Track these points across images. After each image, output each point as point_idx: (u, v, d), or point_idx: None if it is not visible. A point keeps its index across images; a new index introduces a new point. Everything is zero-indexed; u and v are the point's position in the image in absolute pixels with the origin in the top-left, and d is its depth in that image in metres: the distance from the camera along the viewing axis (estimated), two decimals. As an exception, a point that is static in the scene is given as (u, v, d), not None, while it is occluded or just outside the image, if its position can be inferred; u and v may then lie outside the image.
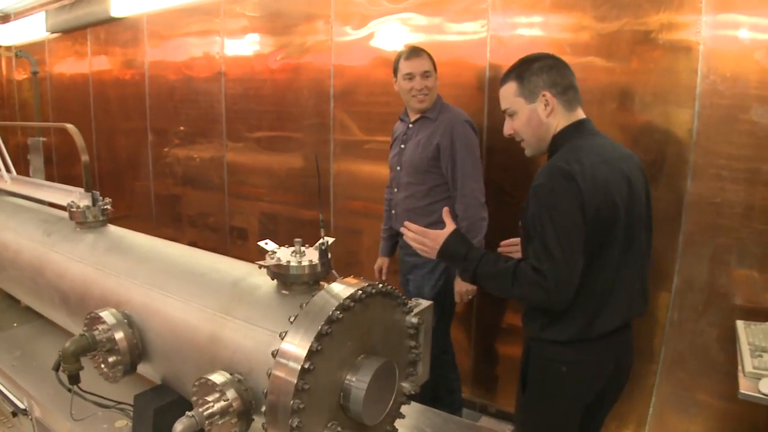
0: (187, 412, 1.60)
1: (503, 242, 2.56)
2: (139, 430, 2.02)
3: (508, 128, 2.38)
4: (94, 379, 2.15)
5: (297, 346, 1.49)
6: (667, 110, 3.12)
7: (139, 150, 6.47)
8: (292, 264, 1.70)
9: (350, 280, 1.70)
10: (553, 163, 2.16)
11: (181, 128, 5.92)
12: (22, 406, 2.62)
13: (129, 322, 2.05)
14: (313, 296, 1.61)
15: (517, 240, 2.42)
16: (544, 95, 2.24)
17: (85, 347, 2.00)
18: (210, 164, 5.67)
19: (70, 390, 2.11)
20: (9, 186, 3.63)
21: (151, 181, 6.39)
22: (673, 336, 3.24)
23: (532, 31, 3.43)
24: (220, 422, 1.61)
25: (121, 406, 2.20)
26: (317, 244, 1.77)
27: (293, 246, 1.77)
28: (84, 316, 2.25)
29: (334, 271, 1.77)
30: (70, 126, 2.90)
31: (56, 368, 2.08)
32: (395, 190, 3.66)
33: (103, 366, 2.07)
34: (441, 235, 2.32)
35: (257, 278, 1.90)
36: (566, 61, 2.31)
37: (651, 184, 2.41)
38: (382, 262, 3.90)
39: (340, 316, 1.53)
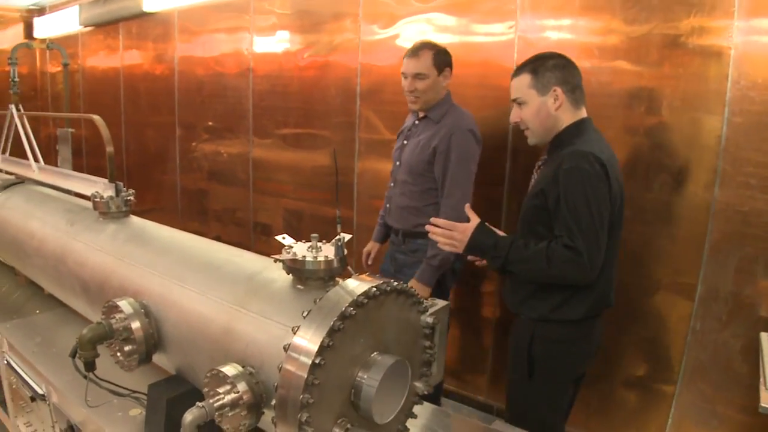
0: (197, 403, 1.61)
1: (433, 219, 2.64)
2: (152, 419, 2.03)
3: (515, 116, 2.63)
4: (110, 367, 2.16)
5: (309, 340, 1.49)
6: (696, 116, 3.07)
7: (167, 144, 6.54)
8: (308, 259, 1.70)
9: (365, 277, 1.69)
10: (584, 151, 2.37)
11: (209, 123, 5.97)
12: (40, 391, 2.66)
13: (146, 312, 2.07)
14: (327, 292, 1.61)
15: (447, 222, 2.57)
16: (555, 90, 2.51)
17: (101, 335, 2.02)
18: (236, 160, 5.70)
19: (85, 377, 2.13)
20: (36, 175, 3.68)
21: (178, 175, 6.45)
22: (695, 346, 3.19)
23: (560, 33, 3.40)
24: (230, 414, 1.62)
25: (136, 395, 2.22)
26: (334, 240, 1.76)
27: (310, 241, 1.76)
28: (102, 305, 2.27)
29: (350, 268, 1.76)
30: (96, 117, 2.92)
31: (73, 355, 2.10)
32: (392, 184, 3.65)
33: (118, 354, 2.09)
34: (468, 228, 2.49)
35: (273, 272, 1.90)
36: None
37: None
38: (372, 246, 3.87)
39: (353, 312, 1.53)
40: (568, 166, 2.36)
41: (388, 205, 3.70)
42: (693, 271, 3.15)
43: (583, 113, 2.59)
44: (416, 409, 1.88)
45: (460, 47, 3.65)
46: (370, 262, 3.82)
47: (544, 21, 3.44)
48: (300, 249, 1.75)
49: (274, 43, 5.15)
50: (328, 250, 1.74)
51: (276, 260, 1.77)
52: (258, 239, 5.50)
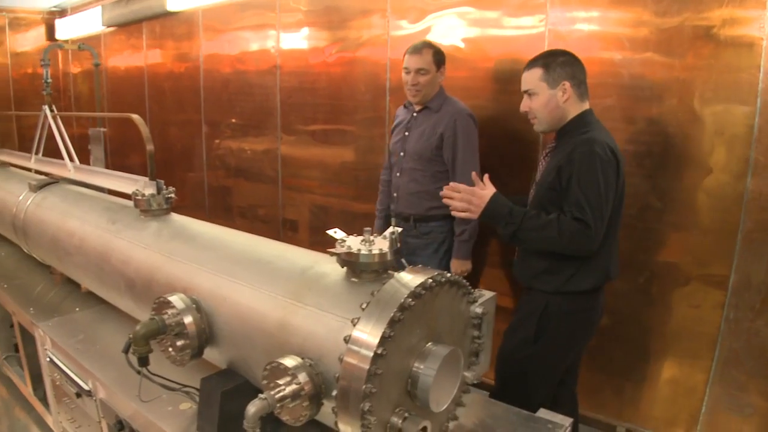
0: (259, 395, 1.64)
1: (447, 186, 2.84)
2: (205, 413, 2.06)
3: (525, 106, 2.88)
4: (155, 362, 2.20)
5: (370, 331, 1.53)
6: (728, 107, 3.08)
7: (193, 142, 6.58)
8: (363, 252, 1.73)
9: (417, 269, 1.72)
10: (598, 139, 2.64)
11: (236, 121, 6.00)
12: (86, 387, 2.69)
13: (197, 307, 2.10)
14: (383, 284, 1.64)
15: (464, 187, 2.77)
16: (564, 84, 2.75)
17: (155, 331, 2.05)
18: (264, 156, 5.74)
19: (139, 372, 2.16)
20: (72, 174, 3.73)
21: (205, 173, 6.49)
22: (728, 335, 3.20)
23: (591, 25, 3.40)
24: (291, 405, 1.65)
25: (187, 389, 2.26)
26: (387, 233, 1.79)
27: (362, 235, 1.79)
28: (149, 302, 2.31)
29: (403, 260, 1.79)
30: (135, 116, 2.97)
31: (126, 350, 2.13)
32: (398, 174, 3.88)
33: (170, 349, 2.12)
34: (486, 195, 2.70)
35: (325, 266, 1.93)
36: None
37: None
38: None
39: (412, 303, 1.57)
40: (584, 150, 2.62)
41: (395, 194, 3.93)
42: (726, 261, 3.16)
43: (586, 105, 2.83)
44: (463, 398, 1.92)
45: (490, 41, 3.67)
46: None
47: (575, 13, 3.44)
48: (353, 242, 1.78)
49: (301, 39, 5.18)
50: (380, 243, 1.77)
51: (332, 254, 1.79)
52: (285, 235, 5.52)
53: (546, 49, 3.47)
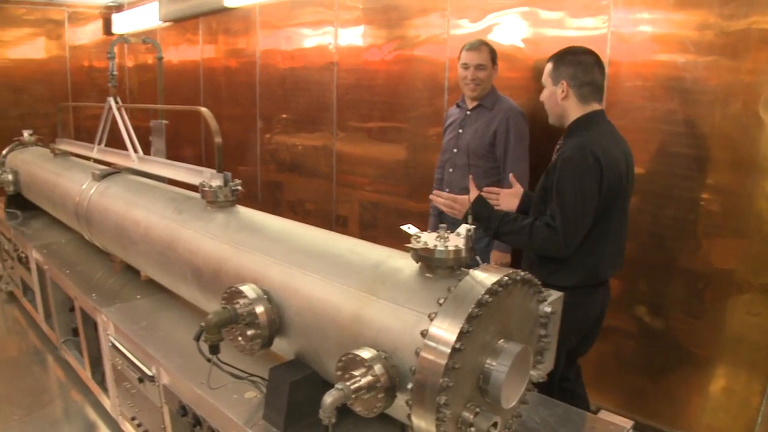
0: (336, 385, 1.67)
1: (485, 189, 3.17)
2: (272, 402, 2.10)
3: (541, 96, 3.02)
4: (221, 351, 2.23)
5: (447, 326, 1.55)
6: (795, 112, 3.03)
7: (248, 136, 6.67)
8: (439, 248, 1.75)
9: (490, 267, 1.74)
10: (584, 144, 2.71)
11: (291, 116, 6.07)
12: (149, 373, 2.76)
13: (268, 297, 2.14)
14: (458, 281, 1.66)
15: (497, 189, 3.18)
16: (562, 83, 2.87)
17: (227, 319, 2.09)
18: (319, 152, 5.80)
19: (209, 360, 2.20)
20: (137, 165, 3.82)
21: (258, 166, 6.58)
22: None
23: (654, 27, 3.37)
24: (365, 396, 1.68)
25: (253, 378, 2.30)
26: (462, 229, 1.81)
27: (437, 231, 1.81)
28: (216, 291, 2.36)
29: (477, 258, 1.81)
30: (203, 109, 3.02)
31: (197, 338, 2.16)
32: (450, 170, 4.02)
33: (240, 339, 2.16)
34: (467, 201, 2.91)
35: (398, 261, 1.96)
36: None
37: None
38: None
39: (489, 300, 1.58)
40: (567, 156, 2.73)
41: (447, 190, 3.97)
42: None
43: (594, 106, 2.90)
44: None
45: (551, 41, 3.67)
46: None
47: (638, 15, 3.41)
48: (429, 238, 1.80)
49: (358, 37, 5.22)
50: (455, 240, 1.79)
51: (409, 249, 1.81)
52: (337, 231, 5.55)
53: (608, 51, 3.47)
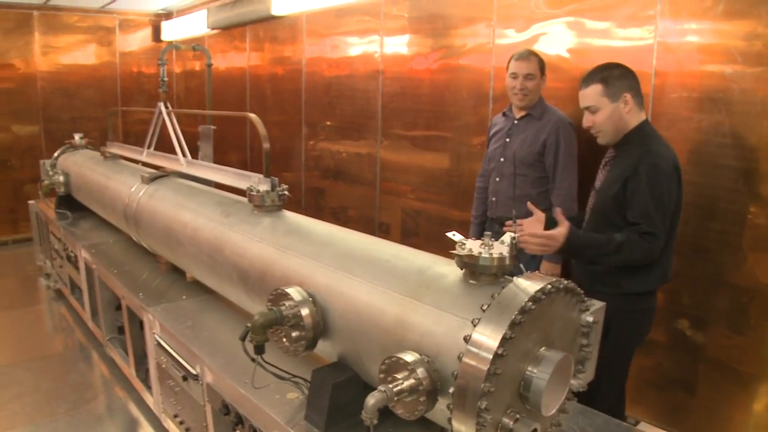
0: (379, 387, 1.70)
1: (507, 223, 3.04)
2: (314, 403, 2.14)
3: (587, 121, 2.99)
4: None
5: (490, 332, 1.58)
6: None
7: (292, 142, 6.75)
8: (483, 255, 1.77)
9: (534, 275, 1.76)
10: (663, 153, 2.81)
11: (335, 123, 6.13)
12: (194, 371, 2.82)
13: (313, 300, 2.19)
14: (502, 288, 1.69)
15: (520, 221, 2.95)
16: (625, 96, 2.88)
17: (272, 321, 2.14)
18: (363, 159, 5.84)
19: (254, 360, 2.25)
20: (185, 168, 3.91)
21: (302, 173, 6.66)
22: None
23: (702, 38, 3.33)
24: (407, 399, 1.71)
25: (296, 379, 2.34)
26: (507, 238, 1.83)
27: (482, 239, 1.84)
28: (262, 293, 2.41)
29: (521, 266, 1.83)
30: (252, 115, 3.09)
31: (243, 338, 2.21)
32: (497, 179, 4.02)
33: (284, 340, 2.21)
34: (560, 236, 2.76)
35: (442, 267, 1.99)
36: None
37: None
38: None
39: (532, 307, 1.60)
40: (651, 163, 2.77)
41: (494, 199, 4.06)
42: None
43: (644, 115, 2.98)
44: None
45: (597, 51, 3.66)
46: None
47: (685, 25, 3.38)
48: (473, 245, 1.82)
49: (404, 45, 5.25)
50: (498, 248, 1.81)
51: (454, 255, 1.84)
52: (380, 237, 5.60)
53: (654, 62, 3.45)
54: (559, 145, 3.74)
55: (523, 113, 3.90)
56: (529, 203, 3.06)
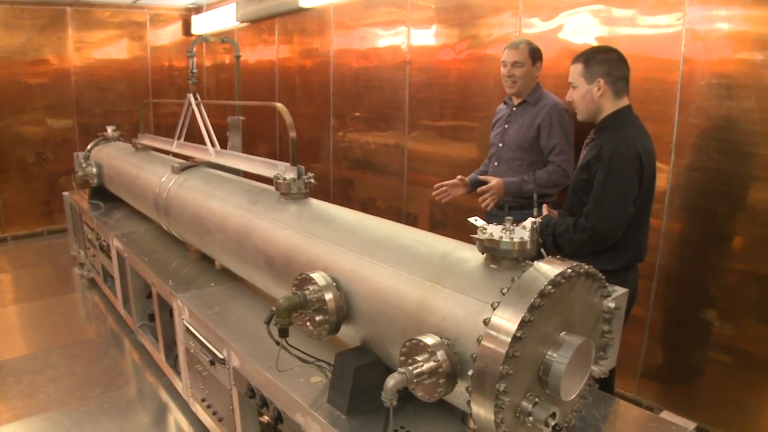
0: (399, 369, 1.72)
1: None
2: (337, 386, 2.17)
3: (568, 96, 3.16)
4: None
5: (510, 315, 1.59)
6: None
7: (321, 133, 6.79)
8: (504, 240, 1.78)
9: (554, 260, 1.76)
10: (626, 138, 2.88)
11: (363, 114, 6.15)
12: (221, 356, 2.87)
13: (337, 285, 2.22)
14: (522, 272, 1.70)
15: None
16: (599, 81, 2.98)
17: (297, 305, 2.17)
18: (390, 150, 5.85)
19: (278, 343, 2.29)
20: (214, 158, 3.96)
21: (331, 164, 6.69)
22: None
23: (731, 24, 3.28)
24: (427, 382, 1.73)
25: (319, 363, 2.38)
26: (528, 222, 1.84)
27: (503, 224, 1.85)
28: (287, 279, 2.45)
29: (542, 250, 1.83)
30: (279, 105, 3.12)
31: (267, 322, 2.25)
32: (496, 163, 4.14)
33: (308, 324, 2.24)
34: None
35: (464, 252, 2.00)
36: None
37: None
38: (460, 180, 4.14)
39: (552, 291, 1.61)
40: (611, 148, 2.86)
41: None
42: None
43: (625, 101, 3.03)
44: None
45: (625, 39, 3.62)
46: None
47: (714, 12, 3.33)
48: (495, 230, 1.83)
49: (430, 36, 5.24)
50: (520, 233, 1.82)
51: (475, 239, 1.85)
52: (407, 228, 5.62)
53: (682, 49, 3.42)
54: (552, 126, 3.85)
55: (519, 100, 4.02)
56: (545, 206, 3.27)
